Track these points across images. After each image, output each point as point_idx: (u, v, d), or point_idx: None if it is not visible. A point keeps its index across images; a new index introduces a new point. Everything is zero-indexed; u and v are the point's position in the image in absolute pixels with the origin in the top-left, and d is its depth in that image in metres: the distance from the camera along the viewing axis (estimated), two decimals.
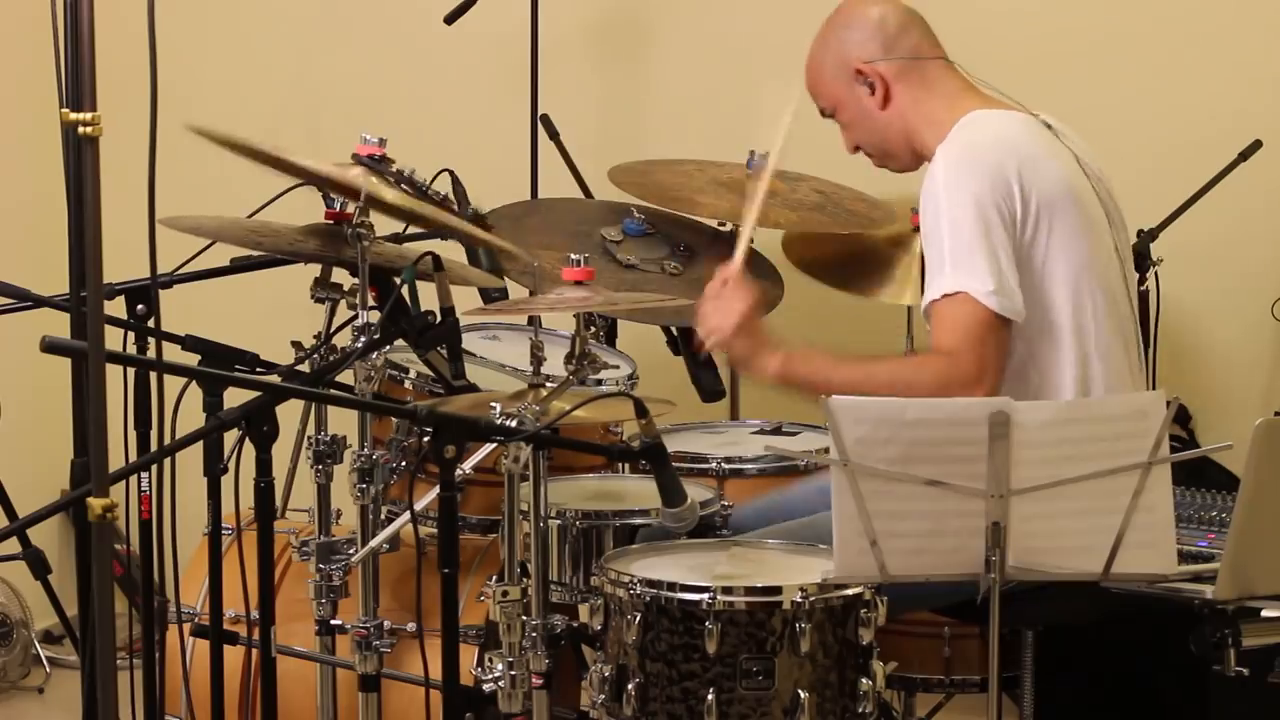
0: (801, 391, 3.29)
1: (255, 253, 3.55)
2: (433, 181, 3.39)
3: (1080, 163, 3.35)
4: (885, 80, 3.36)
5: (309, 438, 3.37)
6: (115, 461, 2.57)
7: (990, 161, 3.19)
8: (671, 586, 2.90)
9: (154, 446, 3.29)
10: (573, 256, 3.13)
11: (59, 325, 3.25)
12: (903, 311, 4.29)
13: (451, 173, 3.45)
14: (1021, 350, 3.22)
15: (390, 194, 3.22)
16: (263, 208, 3.43)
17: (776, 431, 4.06)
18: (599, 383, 3.48)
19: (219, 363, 3.31)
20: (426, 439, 3.01)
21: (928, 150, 3.33)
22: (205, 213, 3.43)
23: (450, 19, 4.76)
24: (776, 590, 2.88)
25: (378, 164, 3.28)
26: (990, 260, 3.14)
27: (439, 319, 3.25)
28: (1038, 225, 3.21)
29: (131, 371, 3.41)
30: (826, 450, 2.88)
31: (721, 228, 4.38)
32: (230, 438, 3.05)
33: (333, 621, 3.38)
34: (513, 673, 3.02)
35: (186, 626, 3.61)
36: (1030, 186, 3.20)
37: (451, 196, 3.43)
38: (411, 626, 3.33)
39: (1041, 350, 3.24)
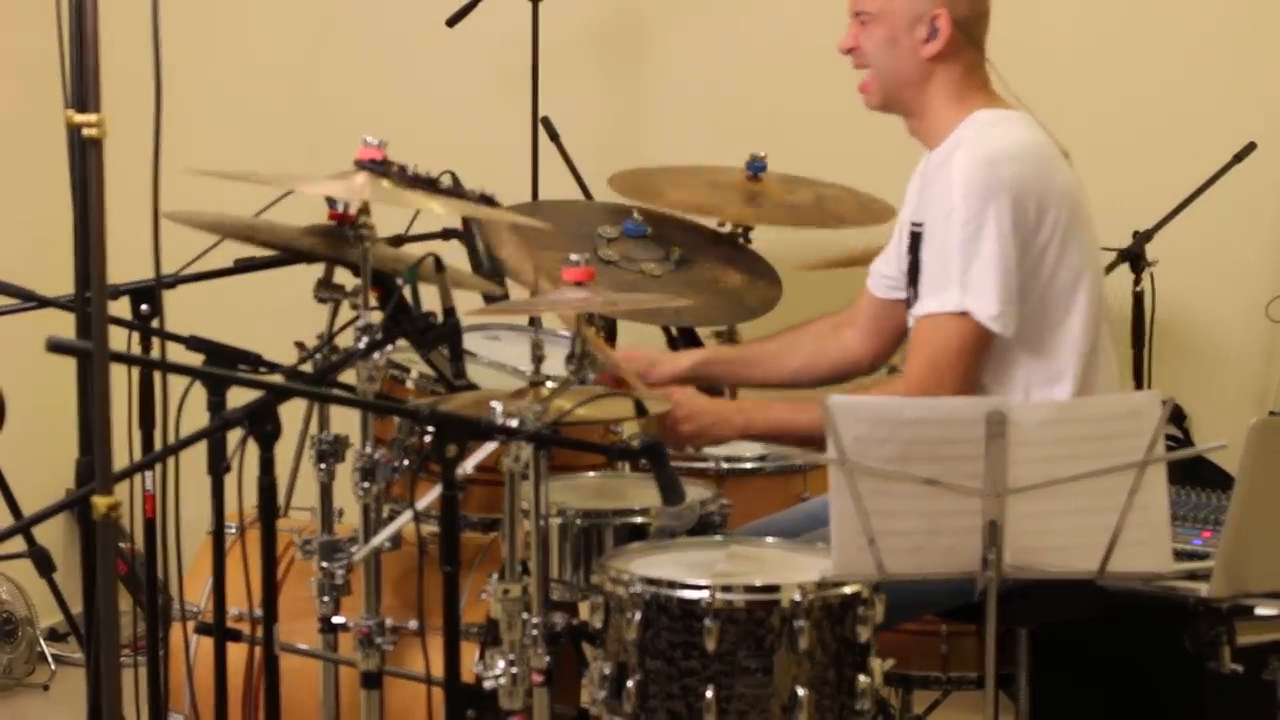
0: (768, 440, 3.52)
1: (259, 253, 3.56)
2: None
3: (1069, 164, 3.37)
4: (951, 44, 3.33)
5: (312, 437, 3.38)
6: (119, 461, 2.58)
7: (1013, 175, 3.20)
8: (671, 584, 2.91)
9: (158, 446, 3.31)
10: (573, 257, 3.15)
11: (64, 325, 3.27)
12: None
13: (453, 174, 3.46)
14: (1016, 351, 3.25)
15: (432, 201, 3.25)
16: (264, 210, 3.45)
17: None
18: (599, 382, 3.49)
19: (222, 363, 3.32)
20: (428, 438, 3.03)
21: (931, 135, 3.35)
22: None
23: (452, 21, 4.78)
24: (775, 588, 2.89)
25: (380, 166, 3.29)
26: (1000, 280, 3.17)
27: (440, 319, 3.27)
28: (1052, 233, 3.23)
29: (136, 371, 3.42)
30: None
31: (721, 229, 4.41)
32: (233, 437, 3.06)
33: (335, 619, 3.39)
34: (513, 670, 3.02)
35: (190, 624, 3.60)
36: (1049, 195, 3.23)
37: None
38: (413, 624, 3.34)
39: (1042, 350, 3.27)
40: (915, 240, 3.34)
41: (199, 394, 3.07)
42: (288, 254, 3.46)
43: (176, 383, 3.01)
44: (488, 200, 3.41)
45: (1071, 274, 3.26)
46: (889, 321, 3.55)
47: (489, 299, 3.55)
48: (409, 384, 3.56)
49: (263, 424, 2.97)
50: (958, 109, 3.33)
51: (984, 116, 3.32)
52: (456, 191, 3.35)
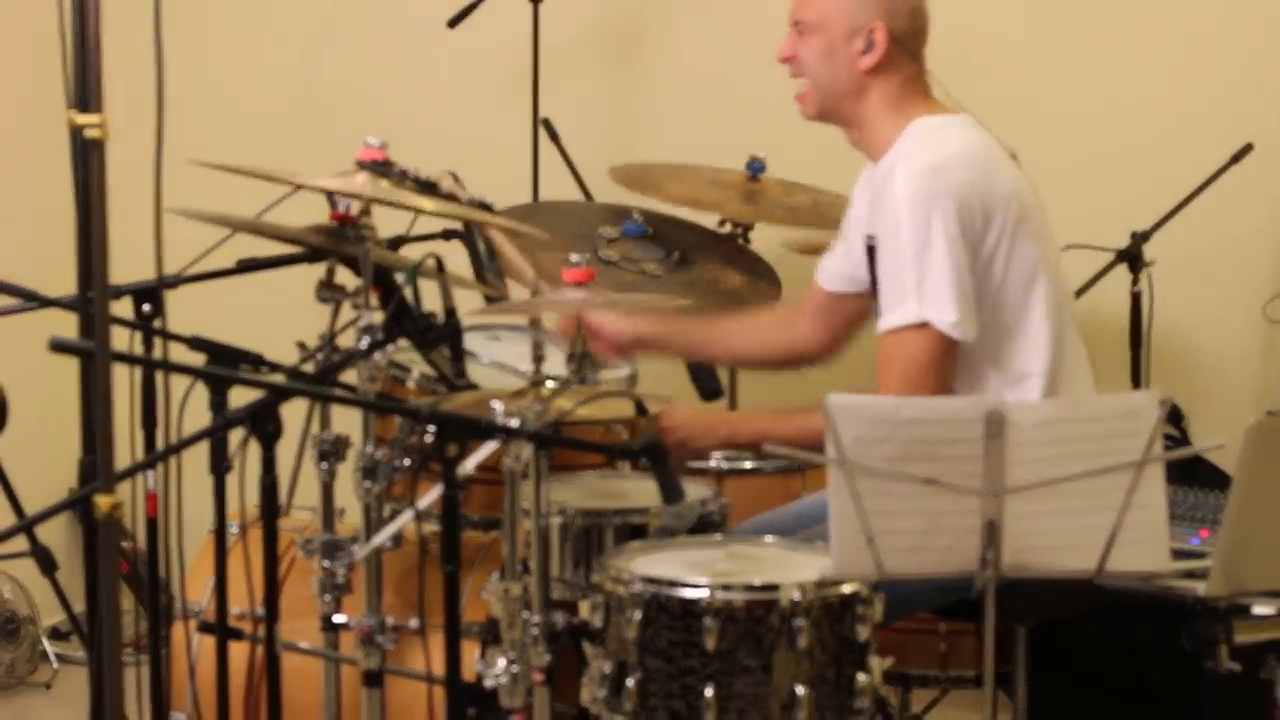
0: (750, 450, 3.57)
1: (261, 254, 3.57)
2: None
3: (1016, 165, 3.38)
4: (888, 56, 3.32)
5: (313, 436, 3.38)
6: (122, 460, 2.58)
7: (955, 181, 3.20)
8: (671, 583, 2.91)
9: (160, 445, 3.31)
10: (573, 258, 3.15)
11: (67, 325, 3.28)
12: None
13: (454, 175, 3.47)
14: (979, 355, 3.27)
15: (429, 204, 3.26)
16: (265, 210, 3.46)
17: None
18: (599, 382, 3.50)
19: (224, 363, 3.32)
20: (429, 438, 3.03)
21: (873, 147, 3.35)
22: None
23: (453, 23, 4.79)
24: (774, 587, 2.89)
25: (381, 168, 3.30)
26: (954, 286, 3.18)
27: (441, 320, 3.27)
28: (1000, 235, 3.24)
29: (138, 371, 3.42)
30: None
31: (721, 228, 4.42)
32: (235, 436, 3.06)
33: (336, 618, 3.39)
34: (514, 669, 3.03)
35: (192, 623, 3.61)
36: (994, 198, 3.23)
37: (456, 189, 3.45)
38: (414, 623, 3.34)
39: (1003, 353, 3.29)
40: (871, 254, 3.35)
41: (201, 394, 3.08)
42: (292, 247, 3.46)
43: (178, 383, 3.02)
44: (484, 207, 3.42)
45: (1024, 275, 3.27)
46: (838, 316, 3.58)
47: (488, 299, 3.55)
48: (410, 384, 3.56)
49: (264, 424, 2.97)
50: (897, 120, 3.33)
51: (924, 124, 3.31)
52: (453, 196, 3.36)
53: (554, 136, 4.72)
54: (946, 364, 3.23)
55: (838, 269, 3.55)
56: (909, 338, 3.21)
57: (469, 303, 3.42)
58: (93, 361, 2.52)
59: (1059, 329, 3.31)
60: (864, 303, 3.47)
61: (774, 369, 3.73)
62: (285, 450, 3.07)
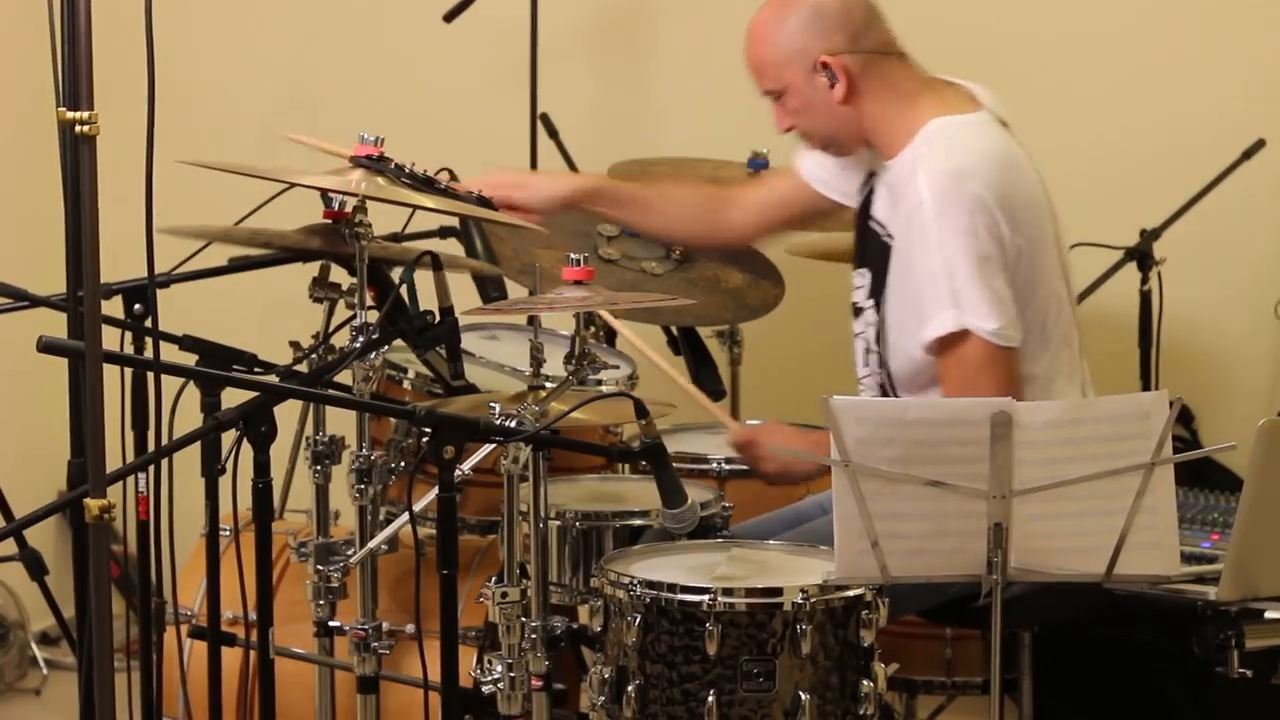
0: None
1: (253, 253, 3.54)
2: None
3: (1030, 161, 3.36)
4: (850, 75, 3.30)
5: (307, 438, 3.36)
6: (112, 462, 2.57)
7: (981, 184, 3.18)
8: (671, 588, 2.90)
9: (151, 447, 3.28)
10: (572, 256, 3.12)
11: (56, 325, 3.24)
12: None
13: (450, 171, 3.44)
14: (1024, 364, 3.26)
15: (430, 200, 3.23)
16: (257, 209, 3.43)
17: None
18: (599, 383, 3.47)
19: (217, 363, 3.30)
20: (425, 439, 3.00)
21: (886, 149, 3.33)
22: (202, 211, 3.43)
23: (449, 17, 4.76)
24: (777, 591, 2.88)
25: (376, 163, 3.26)
26: (989, 292, 3.17)
27: (438, 319, 3.25)
28: (1026, 238, 3.23)
29: (129, 372, 3.40)
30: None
31: None
32: (228, 438, 3.04)
33: (331, 623, 3.38)
34: (512, 674, 3.01)
35: (184, 628, 3.60)
36: (1019, 200, 3.22)
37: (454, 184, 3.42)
38: (410, 628, 3.32)
39: (1040, 359, 3.27)
40: (884, 250, 3.32)
41: (193, 395, 3.06)
42: (295, 255, 3.44)
43: (170, 383, 2.99)
44: (483, 203, 3.38)
45: (1048, 278, 3.27)
46: (787, 210, 3.72)
47: (487, 299, 3.53)
48: (406, 384, 3.54)
49: (257, 425, 2.96)
50: (906, 116, 3.30)
51: (941, 129, 3.28)
52: (453, 193, 3.33)
53: (552, 131, 4.69)
54: (1001, 369, 3.20)
55: (828, 177, 3.61)
56: (953, 348, 3.20)
57: (466, 301, 3.38)
58: (82, 362, 2.51)
59: (1079, 329, 3.33)
60: (827, 207, 3.65)
61: (686, 247, 3.89)
62: (279, 452, 3.05)
